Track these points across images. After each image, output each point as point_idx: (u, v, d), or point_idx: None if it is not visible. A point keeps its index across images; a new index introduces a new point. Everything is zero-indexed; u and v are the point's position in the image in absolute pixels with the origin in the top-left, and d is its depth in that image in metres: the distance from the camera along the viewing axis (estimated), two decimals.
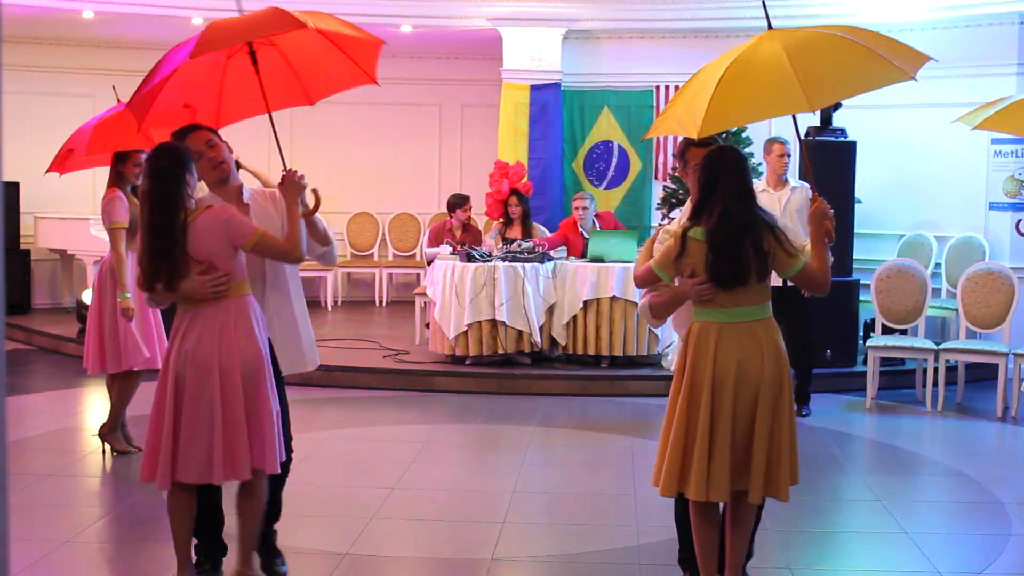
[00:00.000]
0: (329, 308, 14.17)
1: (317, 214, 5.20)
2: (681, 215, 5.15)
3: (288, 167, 5.07)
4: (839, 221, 5.37)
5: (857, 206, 10.85)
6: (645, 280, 4.95)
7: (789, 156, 9.22)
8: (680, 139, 5.18)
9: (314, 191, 5.14)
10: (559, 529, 6.39)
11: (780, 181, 9.16)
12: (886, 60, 4.73)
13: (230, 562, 5.32)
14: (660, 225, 5.04)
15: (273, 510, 5.40)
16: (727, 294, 4.69)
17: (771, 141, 9.35)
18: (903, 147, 12.06)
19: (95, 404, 8.95)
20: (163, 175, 4.79)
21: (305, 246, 5.02)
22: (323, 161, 14.26)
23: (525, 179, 11.89)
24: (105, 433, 7.70)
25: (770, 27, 4.90)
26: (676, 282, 4.83)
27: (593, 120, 13.25)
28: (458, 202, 11.53)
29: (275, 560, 5.46)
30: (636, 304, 10.23)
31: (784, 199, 9.06)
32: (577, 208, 11.12)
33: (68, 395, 9.86)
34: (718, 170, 4.73)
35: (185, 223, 4.78)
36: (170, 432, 4.82)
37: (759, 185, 9.15)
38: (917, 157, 11.99)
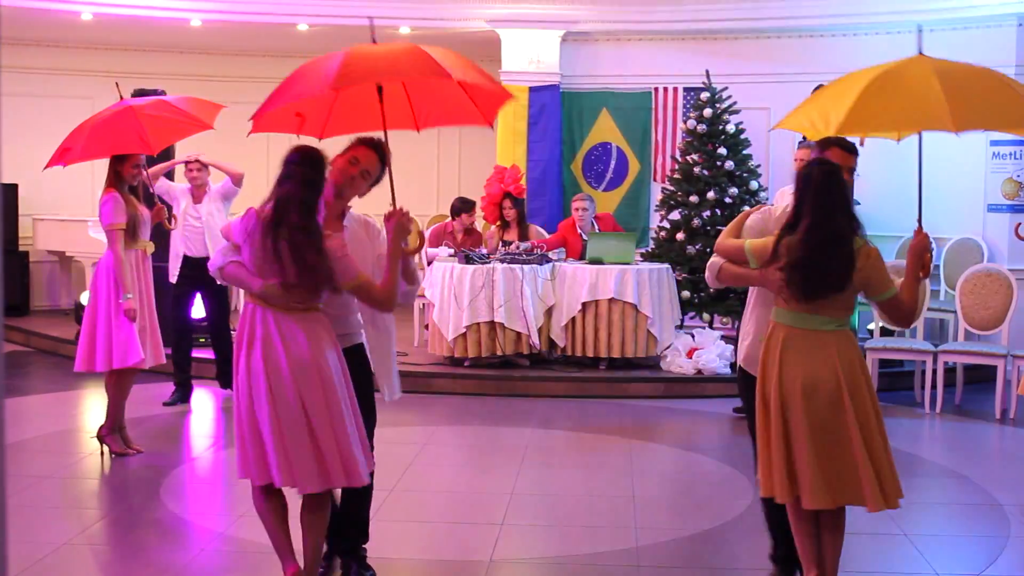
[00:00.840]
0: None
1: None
2: (779, 196, 5.21)
3: (397, 205, 4.85)
4: None
5: (857, 208, 10.82)
6: (729, 254, 5.02)
7: (798, 163, 9.15)
8: (823, 139, 5.24)
9: (420, 232, 4.97)
10: (558, 531, 6.39)
11: None
12: None
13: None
14: (760, 204, 5.13)
15: (361, 527, 5.42)
16: (815, 302, 4.76)
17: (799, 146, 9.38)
18: (901, 149, 12.04)
19: (93, 406, 8.94)
20: (311, 184, 4.74)
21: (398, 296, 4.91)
22: None
23: (522, 181, 11.90)
24: (104, 435, 7.70)
25: (920, 53, 4.95)
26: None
27: (592, 122, 13.25)
28: (463, 207, 11.50)
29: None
30: (634, 306, 10.24)
31: None
32: (576, 209, 11.13)
33: (66, 397, 9.86)
34: (807, 183, 4.79)
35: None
36: (260, 432, 4.80)
37: (787, 189, 9.14)
38: (915, 159, 11.97)
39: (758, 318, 5.21)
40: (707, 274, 5.20)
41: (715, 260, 5.12)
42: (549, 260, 10.58)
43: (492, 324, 10.22)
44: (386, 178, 5.07)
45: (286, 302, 4.76)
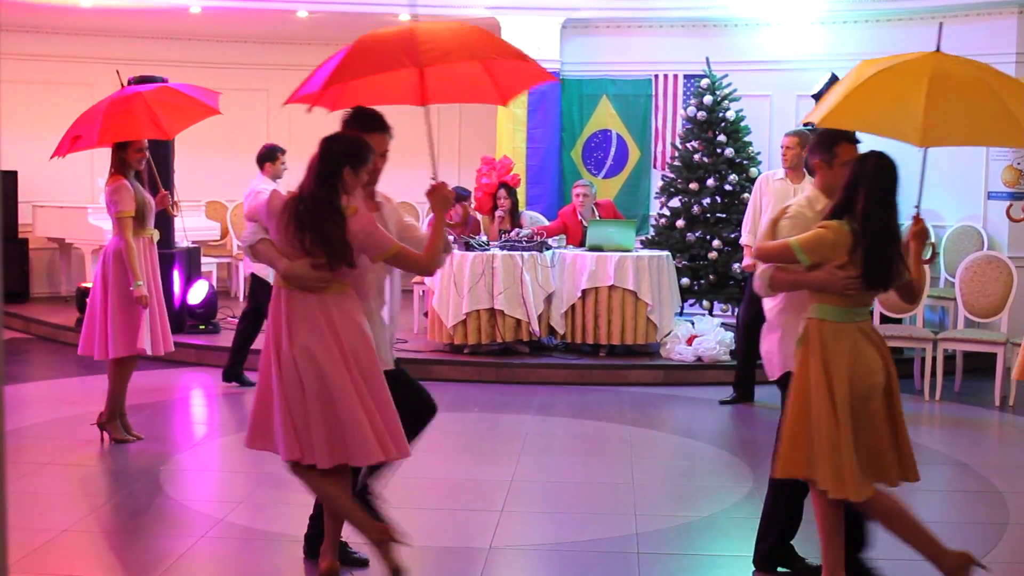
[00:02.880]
0: None
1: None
2: (799, 196, 5.19)
3: (437, 178, 5.04)
4: None
5: None
6: (775, 257, 4.98)
7: (789, 149, 9.13)
8: (825, 131, 5.23)
9: (463, 206, 5.16)
10: (557, 518, 6.40)
11: (798, 174, 9.10)
12: (1014, 119, 4.83)
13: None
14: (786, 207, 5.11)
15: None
16: (864, 294, 4.83)
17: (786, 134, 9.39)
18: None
19: (93, 393, 8.93)
20: (336, 162, 4.86)
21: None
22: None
23: (515, 171, 11.89)
24: (104, 422, 7.70)
25: (938, 49, 5.07)
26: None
27: (592, 109, 13.23)
28: (456, 198, 11.46)
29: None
30: (634, 294, 10.24)
31: (800, 191, 9.03)
32: (578, 195, 11.12)
33: (66, 384, 9.86)
34: (860, 174, 4.82)
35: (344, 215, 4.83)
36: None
37: (777, 174, 9.16)
38: (910, 147, 11.96)
39: (787, 320, 5.17)
40: (756, 283, 5.12)
41: (763, 269, 5.06)
42: (549, 247, 10.57)
43: (492, 311, 10.21)
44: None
45: (312, 283, 4.82)
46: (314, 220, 4.78)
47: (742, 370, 9.34)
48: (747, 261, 9.20)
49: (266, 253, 4.94)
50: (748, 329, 9.19)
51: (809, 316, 4.90)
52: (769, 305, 5.33)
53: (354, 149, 4.92)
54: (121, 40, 13.90)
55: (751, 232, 9.19)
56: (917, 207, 5.02)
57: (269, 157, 9.24)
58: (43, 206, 13.41)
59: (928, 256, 4.93)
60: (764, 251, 5.03)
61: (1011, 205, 11.25)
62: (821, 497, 4.86)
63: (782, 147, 9.12)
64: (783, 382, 5.16)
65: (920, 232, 4.97)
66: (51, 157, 7.78)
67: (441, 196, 4.98)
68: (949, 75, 4.94)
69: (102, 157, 7.74)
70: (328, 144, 4.91)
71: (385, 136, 5.20)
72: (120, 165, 7.55)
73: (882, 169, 4.81)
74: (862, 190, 4.78)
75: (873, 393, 4.84)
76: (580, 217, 11.04)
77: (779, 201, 9.03)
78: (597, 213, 11.22)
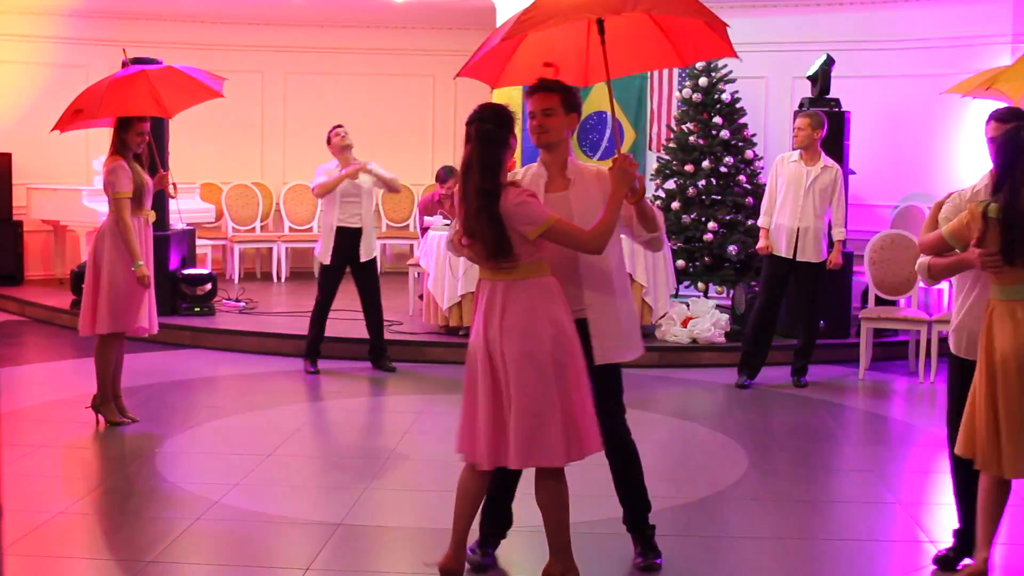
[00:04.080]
0: None
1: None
2: (977, 183, 5.19)
3: (622, 151, 4.82)
4: None
5: (851, 177, 10.85)
6: (933, 248, 5.02)
7: (801, 130, 9.13)
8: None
9: (640, 178, 4.84)
10: None
11: (812, 154, 9.10)
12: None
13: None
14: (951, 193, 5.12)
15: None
16: (1013, 270, 4.76)
17: (797, 116, 9.42)
18: (897, 118, 12.04)
19: (88, 376, 8.92)
20: (488, 139, 4.71)
21: (611, 238, 4.82)
22: (316, 132, 14.20)
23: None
24: (98, 404, 7.70)
25: None
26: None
27: (587, 91, 13.14)
28: (444, 176, 11.47)
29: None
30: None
31: (813, 175, 9.05)
32: None
33: (61, 367, 9.86)
34: (1007, 149, 4.80)
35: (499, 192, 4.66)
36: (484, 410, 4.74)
37: (792, 156, 9.18)
38: (911, 128, 11.97)
39: (973, 303, 5.12)
40: (920, 275, 5.20)
41: (922, 260, 5.11)
42: None
43: None
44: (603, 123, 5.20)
45: (490, 269, 4.73)
46: (473, 212, 4.74)
47: (753, 352, 9.27)
48: (761, 243, 9.19)
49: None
50: (764, 313, 9.18)
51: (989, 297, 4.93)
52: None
53: (503, 120, 4.86)
54: (118, 21, 13.85)
55: (767, 213, 9.20)
56: (619, 150, 4.88)
57: None
58: (38, 188, 13.38)
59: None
60: (925, 244, 5.08)
61: None
62: (981, 474, 4.89)
63: (794, 127, 9.15)
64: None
65: (620, 171, 4.77)
66: (51, 130, 7.77)
67: (620, 169, 4.74)
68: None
69: (97, 139, 7.73)
70: (481, 123, 4.80)
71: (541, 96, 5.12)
72: (120, 145, 7.54)
73: (1003, 141, 4.82)
74: (1008, 166, 4.79)
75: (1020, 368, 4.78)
76: None
77: (794, 182, 9.08)
78: None
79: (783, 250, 9.07)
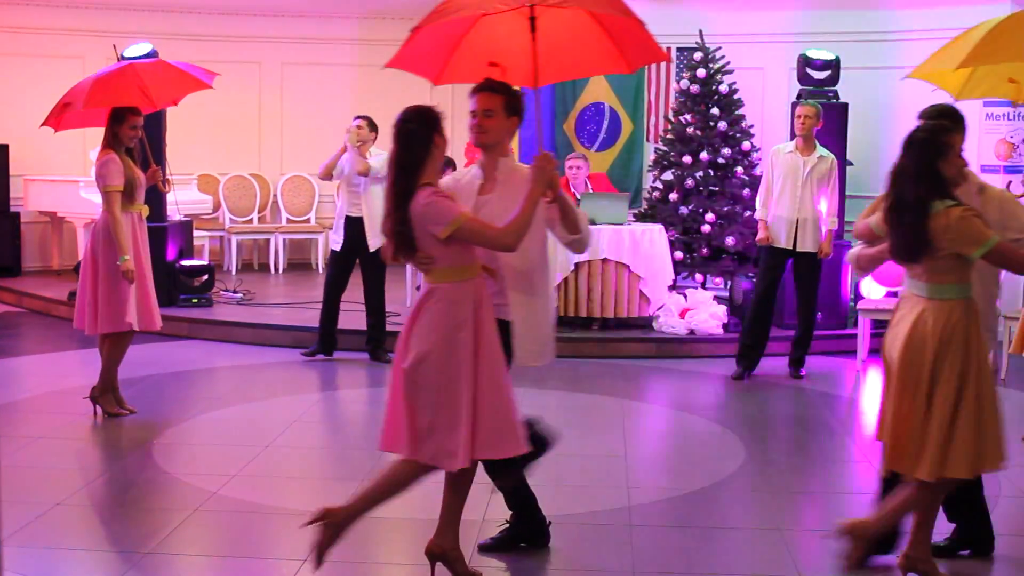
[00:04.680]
0: (319, 271, 14.13)
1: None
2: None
3: (543, 149, 4.75)
4: None
5: (849, 168, 10.85)
6: (863, 237, 5.12)
7: (808, 118, 9.11)
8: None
9: (556, 178, 4.78)
10: (550, 490, 6.39)
11: (809, 145, 9.10)
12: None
13: None
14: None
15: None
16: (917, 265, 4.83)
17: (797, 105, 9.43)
18: (895, 109, 12.03)
19: (86, 367, 8.92)
20: (408, 139, 4.64)
21: (536, 239, 4.82)
22: (310, 124, 14.21)
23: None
24: (97, 395, 7.69)
25: None
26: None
27: (585, 82, 13.17)
28: (445, 165, 11.49)
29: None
30: (627, 267, 10.25)
31: (809, 165, 9.05)
32: (570, 168, 11.10)
33: (59, 358, 9.85)
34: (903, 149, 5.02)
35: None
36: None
37: (787, 147, 9.18)
38: (909, 119, 11.92)
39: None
40: (850, 264, 5.32)
41: (853, 250, 5.22)
42: None
43: None
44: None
45: (425, 269, 4.74)
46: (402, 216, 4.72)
47: (752, 341, 9.26)
48: (761, 235, 9.18)
49: None
50: (762, 302, 9.18)
51: None
52: None
53: (428, 119, 4.80)
54: (113, 12, 13.81)
55: (764, 206, 9.19)
56: (540, 147, 4.86)
57: None
58: (35, 180, 13.35)
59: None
60: (856, 232, 5.18)
61: (1010, 182, 11.24)
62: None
63: (798, 116, 9.12)
64: None
65: (537, 169, 4.69)
66: (41, 125, 7.76)
67: (538, 167, 4.67)
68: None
69: (94, 131, 7.70)
70: (401, 126, 4.73)
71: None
72: (112, 139, 7.52)
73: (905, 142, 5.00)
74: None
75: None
76: (573, 190, 11.02)
77: (791, 173, 9.08)
78: (590, 186, 11.20)
79: (783, 242, 9.06)
